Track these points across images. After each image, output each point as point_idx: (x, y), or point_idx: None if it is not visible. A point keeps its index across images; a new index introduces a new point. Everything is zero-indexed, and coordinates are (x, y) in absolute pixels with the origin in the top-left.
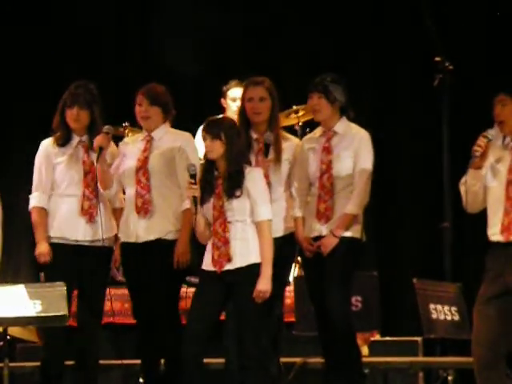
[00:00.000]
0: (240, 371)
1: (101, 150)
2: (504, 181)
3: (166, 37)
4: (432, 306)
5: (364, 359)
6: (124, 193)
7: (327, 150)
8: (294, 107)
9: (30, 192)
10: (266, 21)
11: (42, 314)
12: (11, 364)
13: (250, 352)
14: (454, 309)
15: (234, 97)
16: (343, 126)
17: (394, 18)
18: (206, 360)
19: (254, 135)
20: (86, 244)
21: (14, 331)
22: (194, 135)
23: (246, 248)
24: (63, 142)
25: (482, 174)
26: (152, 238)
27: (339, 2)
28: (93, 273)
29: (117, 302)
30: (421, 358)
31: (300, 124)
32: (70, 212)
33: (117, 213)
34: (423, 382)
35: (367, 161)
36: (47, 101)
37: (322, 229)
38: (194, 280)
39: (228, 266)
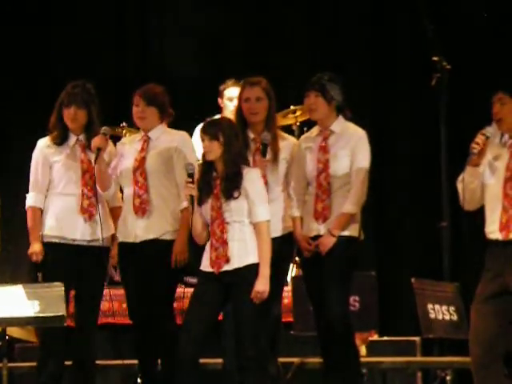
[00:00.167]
0: (238, 371)
1: (99, 151)
2: (502, 178)
3: (166, 37)
4: (430, 306)
5: (362, 359)
6: (122, 192)
7: (324, 150)
8: (292, 107)
9: (28, 192)
10: (266, 21)
11: (40, 315)
12: (10, 364)
13: (248, 352)
14: (452, 308)
15: (230, 96)
16: (340, 125)
17: (392, 18)
18: (204, 360)
19: (251, 135)
20: (84, 244)
21: (12, 331)
22: (192, 135)
23: (244, 249)
24: (60, 141)
25: (479, 171)
26: (150, 237)
27: (338, 2)
28: (90, 272)
29: (115, 302)
30: (419, 358)
31: (297, 124)
32: (68, 211)
33: (115, 212)
34: (421, 381)
35: (364, 160)
36: (47, 101)
37: (319, 228)
38: (192, 280)
39: (226, 267)
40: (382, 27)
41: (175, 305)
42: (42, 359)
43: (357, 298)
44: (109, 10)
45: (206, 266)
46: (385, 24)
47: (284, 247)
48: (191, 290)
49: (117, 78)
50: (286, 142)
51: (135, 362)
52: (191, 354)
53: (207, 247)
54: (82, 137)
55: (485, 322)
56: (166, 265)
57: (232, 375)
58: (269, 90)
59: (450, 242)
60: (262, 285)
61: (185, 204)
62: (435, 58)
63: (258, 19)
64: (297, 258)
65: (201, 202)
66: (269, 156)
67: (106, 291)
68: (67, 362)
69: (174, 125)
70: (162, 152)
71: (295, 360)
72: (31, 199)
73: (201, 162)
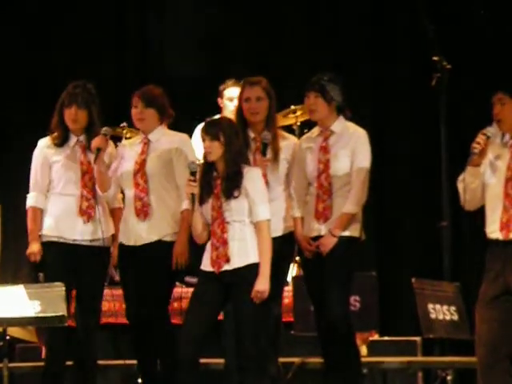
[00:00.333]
0: (238, 371)
1: (98, 151)
2: (503, 178)
3: (166, 37)
4: (431, 306)
5: (363, 359)
6: (122, 193)
7: (325, 150)
8: (292, 107)
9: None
10: (266, 21)
11: (41, 315)
12: (10, 364)
13: (249, 352)
14: (452, 308)
15: (230, 96)
16: (340, 125)
17: (392, 18)
18: (204, 360)
19: (252, 134)
20: (84, 244)
21: (13, 331)
22: (191, 136)
23: (245, 248)
24: (61, 141)
25: (480, 171)
26: (151, 240)
27: (338, 2)
28: (91, 272)
29: (116, 303)
30: (420, 358)
31: (298, 124)
32: (67, 211)
33: (115, 213)
34: (422, 381)
35: (364, 159)
36: (47, 101)
37: (320, 228)
38: (192, 280)
39: (226, 267)
40: (382, 27)
41: (175, 304)
42: (48, 360)
43: (357, 298)
44: (109, 10)
45: (206, 265)
46: (385, 24)
47: (285, 247)
48: (191, 289)
49: (117, 78)
50: (287, 142)
51: (135, 362)
52: (191, 353)
53: (208, 247)
54: (82, 138)
55: (489, 324)
56: (167, 266)
57: (232, 375)
58: (269, 89)
59: (450, 242)
60: (262, 284)
61: (185, 205)
62: (435, 58)
63: (258, 19)
64: (297, 258)
65: (201, 202)
66: (269, 155)
67: (106, 291)
68: (68, 362)
69: (174, 125)
70: (162, 154)
71: (296, 360)
72: (31, 199)
73: (202, 162)
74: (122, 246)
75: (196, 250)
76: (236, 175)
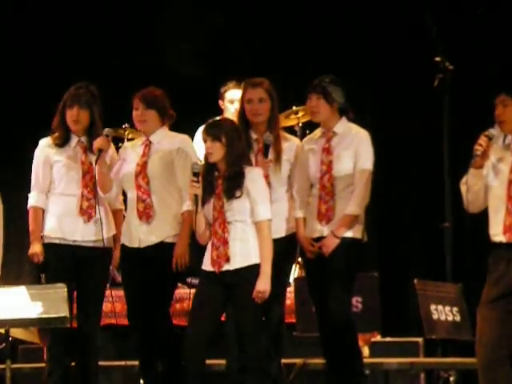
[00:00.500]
0: (240, 372)
1: (100, 152)
2: (505, 180)
3: (166, 37)
4: (433, 307)
5: (365, 360)
6: (124, 194)
7: (327, 151)
8: (294, 108)
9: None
10: (266, 21)
11: (44, 316)
12: (13, 365)
13: (250, 353)
14: (454, 309)
15: (231, 98)
16: (343, 126)
17: (394, 18)
18: (206, 361)
19: (254, 135)
20: (85, 244)
21: (15, 333)
22: (192, 137)
23: (246, 248)
24: (62, 142)
25: (483, 173)
26: (153, 241)
27: (339, 3)
28: (92, 273)
29: (118, 304)
30: (422, 359)
31: (300, 125)
32: (68, 212)
33: (116, 214)
34: (424, 382)
35: (367, 161)
36: (48, 101)
37: (323, 229)
38: (194, 281)
39: (227, 267)
40: (384, 27)
41: (178, 306)
42: (50, 360)
43: (359, 299)
44: (109, 9)
45: (207, 264)
46: (387, 24)
47: (287, 248)
48: (193, 290)
49: (117, 78)
50: (290, 143)
51: (137, 362)
52: (197, 354)
53: (209, 246)
54: (83, 138)
55: (490, 325)
56: (169, 268)
57: (234, 376)
58: (271, 90)
59: (452, 243)
60: (263, 284)
61: (186, 207)
62: (438, 59)
63: (257, 19)
64: (299, 259)
65: (203, 202)
66: (271, 157)
67: (108, 292)
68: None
69: (174, 126)
70: (163, 156)
71: (298, 361)
72: (33, 199)
73: (203, 162)
74: (124, 248)
75: (198, 251)
76: (237, 175)
